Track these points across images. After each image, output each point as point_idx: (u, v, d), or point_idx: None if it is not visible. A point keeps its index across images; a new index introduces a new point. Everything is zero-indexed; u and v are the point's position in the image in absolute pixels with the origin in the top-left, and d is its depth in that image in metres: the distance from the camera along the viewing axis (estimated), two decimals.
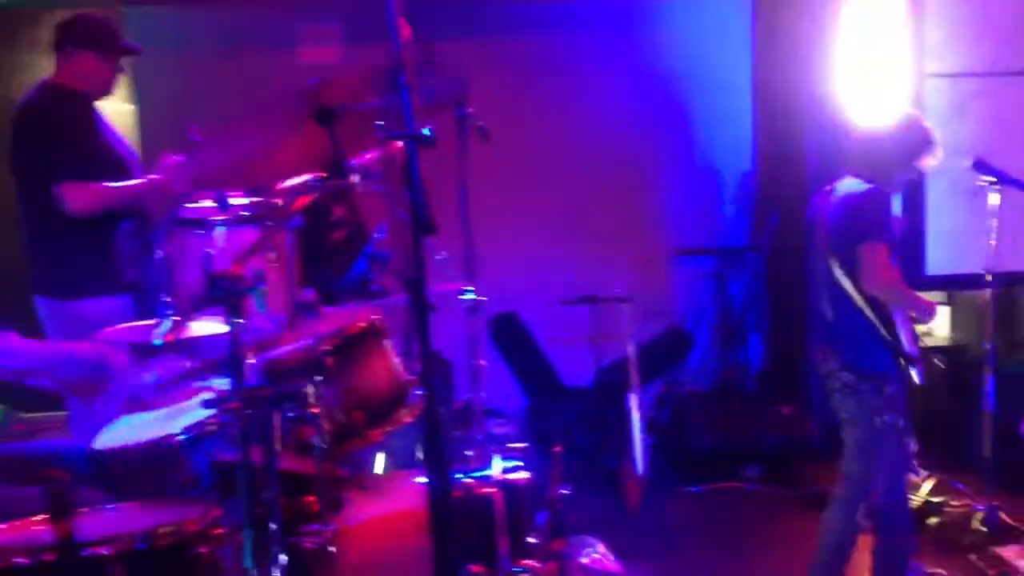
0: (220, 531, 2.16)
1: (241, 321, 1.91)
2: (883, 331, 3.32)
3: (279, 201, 3.40)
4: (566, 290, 4.74)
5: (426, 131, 1.68)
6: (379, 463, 3.36)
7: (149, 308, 3.61)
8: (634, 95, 5.46)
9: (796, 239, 5.03)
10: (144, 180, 3.58)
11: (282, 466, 2.18)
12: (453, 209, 3.03)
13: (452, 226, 2.92)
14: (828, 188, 3.52)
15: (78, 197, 3.49)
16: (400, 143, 1.73)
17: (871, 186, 3.33)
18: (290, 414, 2.10)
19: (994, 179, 3.69)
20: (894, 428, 3.36)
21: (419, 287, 1.71)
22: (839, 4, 4.59)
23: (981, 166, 3.75)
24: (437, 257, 2.88)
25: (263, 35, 5.19)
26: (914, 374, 3.35)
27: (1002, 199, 3.69)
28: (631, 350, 4.47)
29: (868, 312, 3.32)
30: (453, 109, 2.95)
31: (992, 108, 4.51)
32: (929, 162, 3.44)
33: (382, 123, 2.09)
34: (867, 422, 3.35)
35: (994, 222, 3.68)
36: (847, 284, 3.34)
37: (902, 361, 3.34)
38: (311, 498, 2.42)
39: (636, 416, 4.45)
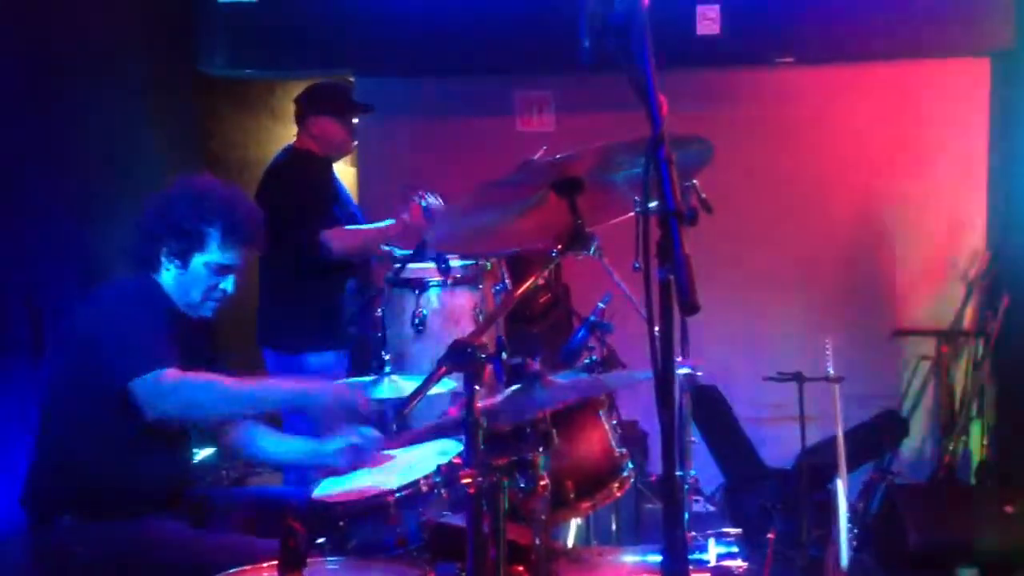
0: None
1: (479, 387, 1.92)
2: None
3: (498, 265, 3.47)
4: (775, 366, 4.57)
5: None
6: (571, 535, 3.31)
7: (367, 364, 3.75)
8: (863, 168, 5.29)
9: None
10: (396, 222, 3.73)
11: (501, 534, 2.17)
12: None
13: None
14: None
15: (341, 240, 3.70)
16: (649, 216, 1.71)
17: None
18: (520, 484, 2.09)
19: None
20: None
21: (667, 367, 1.67)
22: None
23: None
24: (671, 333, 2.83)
25: (481, 103, 5.37)
26: None
27: None
28: (840, 432, 4.24)
29: None
30: (688, 182, 2.92)
31: None
32: None
33: (632, 197, 2.08)
34: None
35: None
36: None
37: None
38: (520, 567, 2.39)
39: (842, 503, 4.20)
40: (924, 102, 5.22)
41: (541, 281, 3.43)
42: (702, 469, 4.99)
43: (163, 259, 2.70)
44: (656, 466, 4.03)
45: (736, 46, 4.95)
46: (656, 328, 1.76)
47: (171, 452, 2.73)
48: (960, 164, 5.24)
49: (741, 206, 5.19)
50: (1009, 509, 4.59)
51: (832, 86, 5.27)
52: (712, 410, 5.12)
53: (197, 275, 2.68)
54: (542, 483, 2.14)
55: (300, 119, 3.98)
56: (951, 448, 5.08)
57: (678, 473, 3.22)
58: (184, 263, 2.68)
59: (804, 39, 5.01)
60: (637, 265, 1.83)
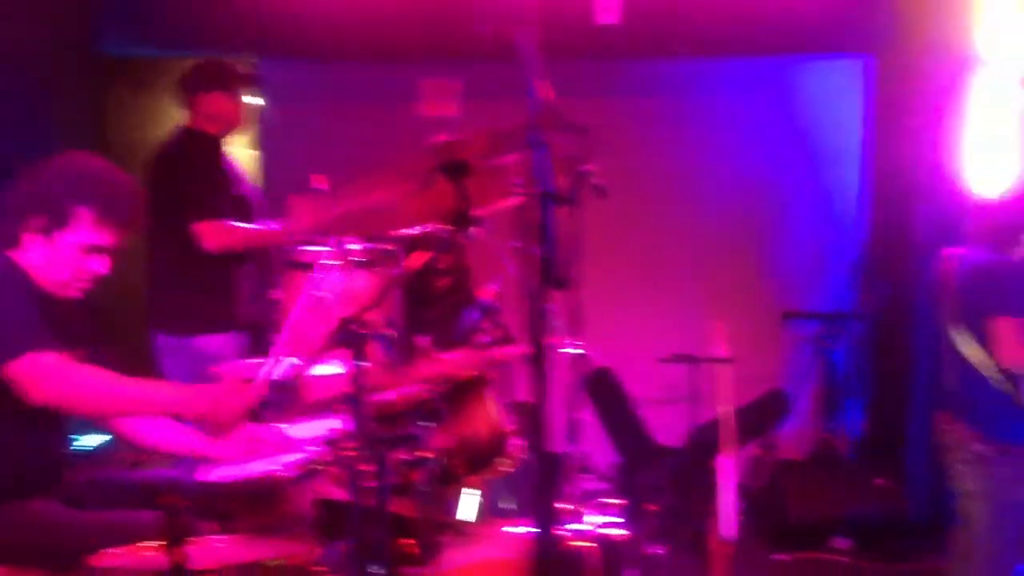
0: (321, 569, 2.22)
1: (365, 364, 1.99)
2: (1016, 399, 3.26)
3: (398, 249, 3.53)
4: (667, 348, 4.74)
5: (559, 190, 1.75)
6: (471, 509, 3.41)
7: (264, 347, 3.76)
8: (749, 158, 5.48)
9: (904, 307, 4.95)
10: (278, 228, 3.75)
11: (387, 507, 2.24)
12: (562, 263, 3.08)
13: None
14: (951, 255, 3.48)
15: (213, 236, 3.68)
16: (529, 199, 1.80)
17: (998, 257, 3.30)
18: (402, 457, 2.16)
19: None
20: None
21: (538, 341, 1.77)
22: (963, 76, 4.54)
23: None
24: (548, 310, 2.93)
25: (386, 89, 5.39)
26: None
27: None
28: (727, 411, 4.43)
29: (1000, 380, 3.26)
30: (573, 166, 3.02)
31: None
32: None
33: (514, 179, 2.17)
34: (999, 496, 3.27)
35: None
36: (974, 353, 3.30)
37: None
38: (409, 541, 2.47)
39: (728, 479, 4.39)
40: (809, 96, 5.43)
41: (442, 264, 3.52)
42: (598, 447, 5.15)
43: (26, 235, 2.58)
44: (553, 446, 4.15)
45: (634, 37, 5.08)
46: (541, 305, 1.86)
47: (46, 434, 2.66)
48: (842, 155, 5.48)
49: (637, 193, 5.34)
50: (882, 483, 4.86)
51: (724, 78, 5.45)
52: (606, 390, 5.27)
53: (65, 254, 2.58)
54: (428, 457, 2.22)
55: (188, 99, 3.93)
56: (831, 425, 5.34)
57: (561, 450, 3.35)
58: (49, 240, 2.57)
59: (698, 32, 5.17)
60: (515, 244, 1.93)
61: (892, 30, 5.04)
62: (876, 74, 5.34)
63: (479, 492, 3.06)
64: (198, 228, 3.65)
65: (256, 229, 3.77)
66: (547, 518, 1.84)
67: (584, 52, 5.02)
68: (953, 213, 4.16)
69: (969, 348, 3.32)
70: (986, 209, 3.45)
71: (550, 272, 1.69)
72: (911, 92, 4.92)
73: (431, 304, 3.95)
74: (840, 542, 4.71)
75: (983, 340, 3.27)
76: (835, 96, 5.44)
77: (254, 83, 4.10)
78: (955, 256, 3.45)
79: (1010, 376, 3.26)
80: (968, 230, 3.47)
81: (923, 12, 4.80)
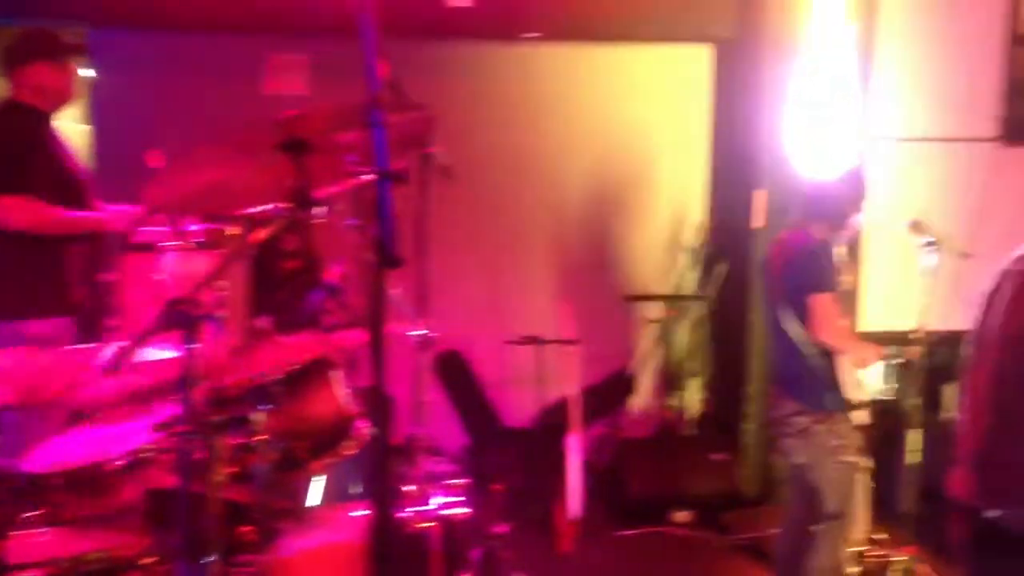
0: (151, 560, 2.14)
1: (196, 347, 1.92)
2: (829, 374, 3.47)
3: (236, 229, 3.42)
4: (515, 330, 4.78)
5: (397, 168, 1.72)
6: (316, 494, 3.36)
7: (95, 330, 3.59)
8: (597, 142, 5.56)
9: (740, 288, 5.17)
10: (92, 219, 3.58)
11: (221, 494, 2.17)
12: (408, 245, 3.06)
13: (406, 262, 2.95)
14: (778, 238, 3.67)
15: (16, 214, 3.47)
16: (369, 178, 1.77)
17: (818, 238, 3.49)
18: (235, 441, 2.10)
19: (930, 240, 3.84)
20: (850, 468, 3.50)
21: (377, 322, 1.74)
22: (795, 66, 4.74)
23: (918, 227, 3.89)
24: (391, 292, 2.92)
25: (229, 63, 5.20)
26: (861, 416, 3.50)
27: (937, 260, 3.83)
28: (573, 392, 4.52)
29: (816, 356, 3.46)
30: (418, 147, 3.00)
31: (932, 170, 4.68)
32: (865, 216, 3.63)
33: (353, 158, 2.13)
34: (825, 464, 3.47)
35: (928, 282, 3.82)
36: (796, 330, 3.48)
37: (846, 403, 3.49)
38: (247, 528, 2.41)
39: (574, 458, 4.48)
40: (654, 84, 5.56)
41: (288, 246, 3.44)
42: (446, 429, 5.16)
43: None
44: (403, 429, 4.13)
45: (485, 19, 5.07)
46: (379, 286, 1.83)
47: None
48: (684, 143, 5.64)
49: (487, 176, 5.37)
50: (720, 458, 5.06)
51: (574, 64, 5.51)
52: (455, 373, 5.29)
53: None
54: (263, 441, 2.16)
55: (11, 71, 3.69)
56: (673, 403, 5.52)
57: (408, 432, 3.34)
58: None
59: (550, 16, 5.21)
60: (352, 222, 1.90)
61: (733, 19, 5.22)
62: (722, 63, 5.51)
63: (323, 476, 3.02)
64: (1, 203, 3.44)
65: (71, 218, 3.58)
66: (386, 500, 1.83)
67: (435, 32, 4.99)
68: (787, 197, 4.36)
69: (791, 326, 3.50)
70: (816, 193, 3.63)
71: (386, 252, 1.66)
72: (750, 81, 5.12)
73: (276, 286, 3.87)
74: (680, 516, 4.88)
75: (803, 318, 3.46)
76: (685, 85, 5.58)
77: (84, 53, 3.88)
78: (785, 238, 3.64)
79: (825, 351, 3.46)
80: (799, 213, 3.65)
81: (761, 3, 4.99)
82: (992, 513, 2.26)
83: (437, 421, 4.17)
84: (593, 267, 5.62)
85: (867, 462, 3.63)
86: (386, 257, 1.67)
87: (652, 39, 5.39)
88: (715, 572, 4.49)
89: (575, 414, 4.46)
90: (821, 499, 3.49)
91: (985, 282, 2.42)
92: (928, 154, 4.70)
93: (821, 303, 3.41)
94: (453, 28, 5.08)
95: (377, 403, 1.83)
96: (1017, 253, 2.34)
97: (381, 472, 1.83)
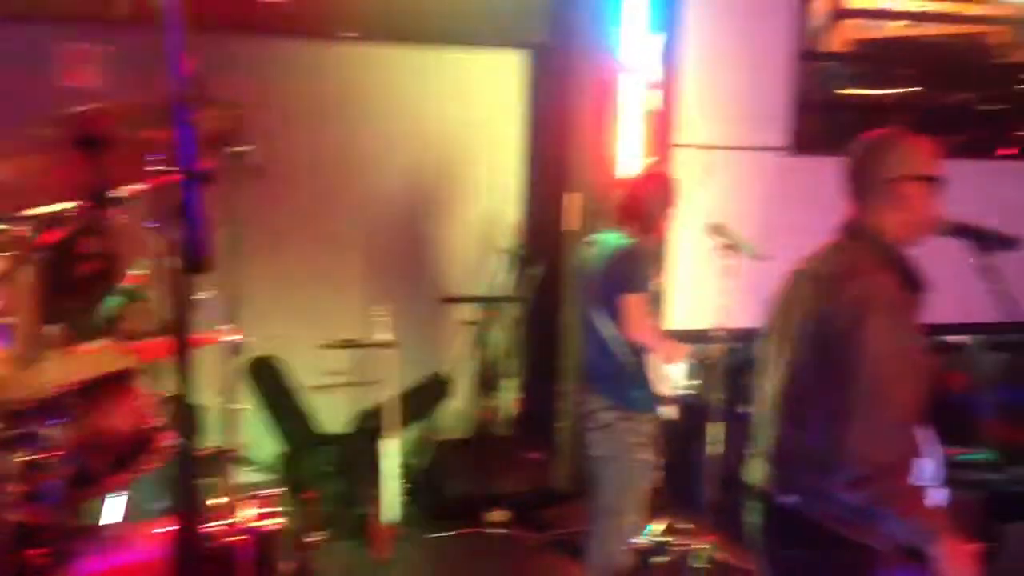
0: None
1: None
2: (638, 372, 3.59)
3: (26, 231, 3.19)
4: (330, 334, 4.69)
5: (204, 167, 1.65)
6: (117, 511, 3.18)
7: None
8: (414, 145, 5.54)
9: (554, 289, 5.27)
10: None
11: (9, 516, 2.02)
12: (218, 248, 2.95)
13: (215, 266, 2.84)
14: (593, 240, 3.79)
15: None
16: (173, 178, 1.68)
17: (630, 240, 3.62)
18: (24, 458, 1.96)
19: (730, 242, 4.05)
20: (645, 464, 3.64)
21: (182, 328, 1.66)
22: (606, 72, 4.88)
23: (718, 230, 4.10)
24: (199, 297, 2.79)
25: (15, 52, 4.85)
26: (665, 412, 3.65)
27: (736, 261, 4.04)
28: (390, 395, 4.48)
29: (627, 355, 3.58)
30: (226, 146, 2.89)
31: (729, 177, 4.93)
32: (675, 219, 3.80)
33: (156, 156, 2.02)
34: (622, 459, 3.59)
35: (727, 282, 4.02)
36: (609, 330, 3.59)
37: (656, 401, 3.63)
38: (39, 551, 2.25)
39: (390, 462, 4.45)
40: (470, 87, 5.60)
41: (85, 248, 3.23)
42: (260, 438, 5.01)
43: None
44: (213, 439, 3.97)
45: (301, 17, 4.96)
46: (185, 291, 1.74)
47: None
48: (500, 146, 5.71)
49: (301, 177, 5.25)
50: (535, 456, 5.15)
51: (391, 65, 5.47)
52: (269, 379, 5.14)
53: None
54: (57, 457, 2.03)
55: None
56: (489, 404, 5.57)
57: (218, 442, 3.22)
58: None
59: (366, 16, 5.15)
60: (155, 224, 1.80)
61: (547, 26, 5.32)
62: (536, 68, 5.60)
63: (124, 492, 2.86)
64: None
65: None
66: (192, 515, 1.74)
67: (248, 27, 4.83)
68: (599, 200, 4.49)
69: (604, 326, 3.62)
70: (626, 197, 3.76)
71: (192, 256, 1.59)
72: (563, 86, 5.24)
73: (71, 291, 3.63)
74: (496, 515, 4.93)
75: (616, 317, 3.59)
76: (500, 89, 5.64)
77: None
78: (598, 241, 3.75)
79: (635, 350, 3.60)
80: (611, 216, 3.78)
81: (573, 12, 5.12)
82: (785, 499, 2.40)
83: (250, 429, 4.03)
84: (409, 269, 5.60)
85: (661, 460, 3.78)
86: (193, 260, 1.60)
87: (467, 43, 5.42)
88: (531, 570, 4.57)
89: (391, 418, 4.43)
90: (607, 492, 3.62)
91: (778, 282, 2.56)
92: (726, 161, 4.95)
93: (633, 303, 3.54)
94: (267, 24, 4.94)
95: (183, 413, 1.75)
96: (808, 254, 2.49)
97: (187, 486, 1.75)
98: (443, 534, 4.76)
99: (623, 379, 3.62)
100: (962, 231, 2.35)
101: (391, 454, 4.42)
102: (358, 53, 5.37)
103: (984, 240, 2.35)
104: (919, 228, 2.37)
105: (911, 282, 2.35)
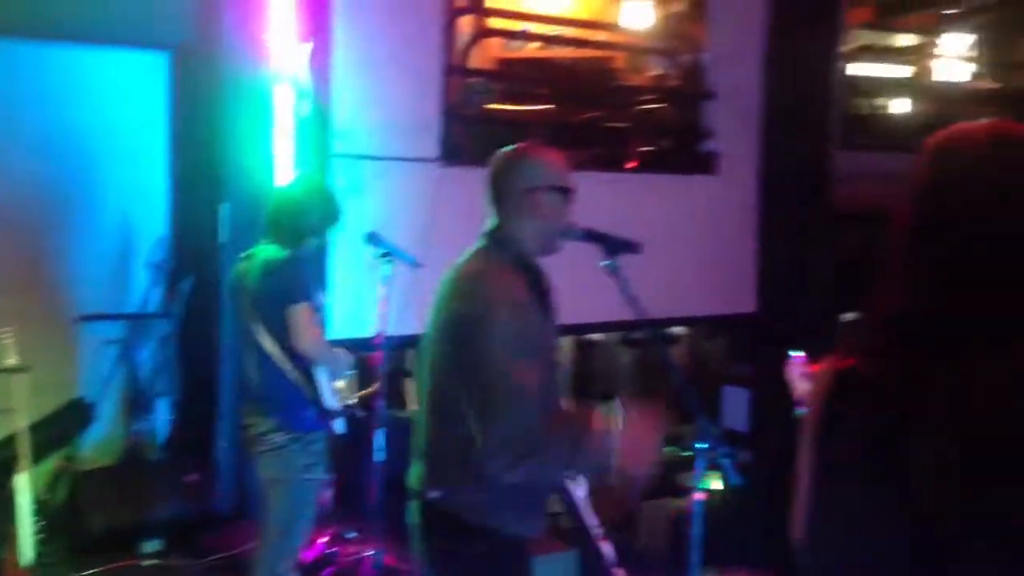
0: None
1: None
2: (307, 389, 3.52)
3: None
4: None
5: None
6: None
7: None
8: (42, 150, 5.05)
9: (208, 304, 5.05)
10: None
11: None
12: None
13: None
14: (248, 254, 3.66)
15: None
16: None
17: (290, 251, 3.55)
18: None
19: (386, 252, 4.10)
20: (318, 484, 3.58)
21: None
22: (256, 79, 4.76)
23: (375, 239, 4.13)
24: None
25: None
26: (336, 426, 3.62)
27: (394, 270, 4.10)
28: (20, 425, 4.06)
29: (293, 372, 3.49)
30: None
31: (386, 187, 5.00)
32: (335, 230, 3.78)
33: None
34: (294, 481, 3.50)
35: (385, 291, 4.07)
36: (272, 346, 3.48)
37: (326, 416, 3.57)
38: None
39: (23, 498, 4.03)
40: (107, 88, 5.24)
41: None
42: None
43: None
44: None
45: None
46: None
47: None
48: (142, 153, 5.39)
49: None
50: (192, 479, 4.90)
51: (18, 62, 4.98)
52: None
53: None
54: None
55: None
56: (140, 427, 5.23)
57: None
58: None
59: None
60: None
61: (190, 27, 5.10)
62: (179, 71, 5.35)
63: None
64: None
65: None
66: None
67: None
68: (254, 212, 4.36)
69: (267, 342, 3.51)
70: (284, 207, 3.68)
71: None
72: (211, 92, 5.04)
73: None
74: (150, 545, 4.64)
75: (280, 332, 3.49)
76: (139, 90, 5.32)
77: None
78: (255, 253, 3.63)
79: (303, 368, 3.53)
80: (267, 227, 3.68)
81: (218, 14, 4.94)
82: (433, 494, 2.48)
83: None
84: (39, 287, 5.11)
85: (331, 477, 3.76)
86: None
87: (103, 41, 5.07)
88: None
89: (23, 450, 4.01)
90: (277, 514, 3.55)
91: (434, 289, 2.64)
92: (382, 171, 5.01)
93: (298, 314, 3.46)
94: None
95: None
96: (454, 261, 2.60)
97: None
98: (91, 571, 4.39)
99: (292, 399, 3.53)
100: (593, 237, 2.55)
101: (23, 489, 4.00)
102: None
103: (612, 245, 2.56)
104: (553, 235, 2.55)
105: (538, 287, 2.52)
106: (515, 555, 2.51)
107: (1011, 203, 1.41)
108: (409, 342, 4.34)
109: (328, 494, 3.91)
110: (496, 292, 2.40)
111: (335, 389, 3.67)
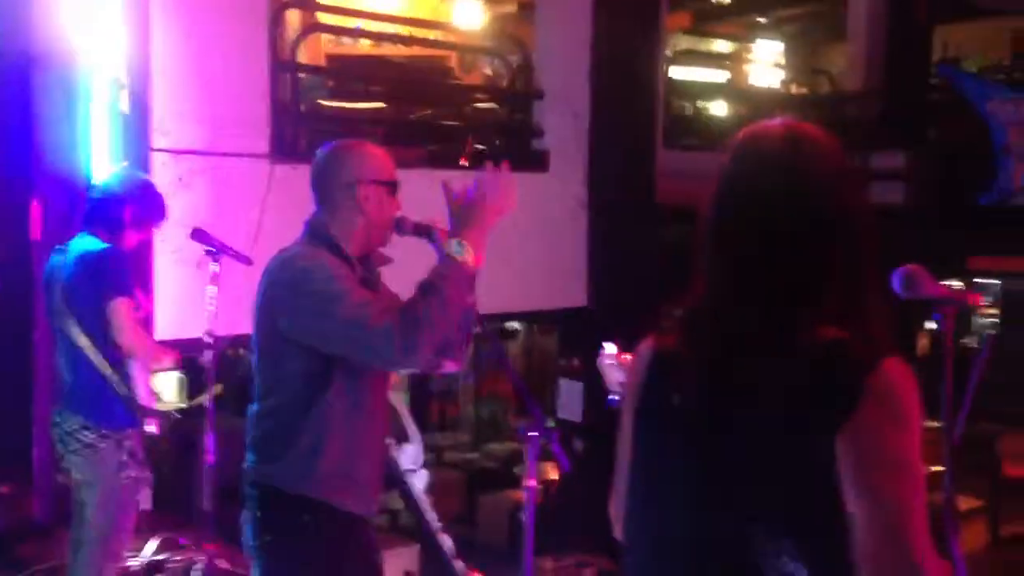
0: None
1: None
2: (121, 387, 3.40)
3: None
4: None
5: None
6: None
7: None
8: None
9: (20, 304, 4.78)
10: None
11: None
12: None
13: None
14: (63, 249, 3.52)
15: None
16: None
17: (108, 245, 3.44)
18: None
19: (212, 248, 4.00)
20: (134, 483, 3.46)
21: None
22: (69, 71, 4.55)
23: (200, 236, 4.02)
24: None
25: None
26: (151, 427, 3.51)
27: (221, 267, 4.00)
28: None
29: (106, 369, 3.38)
30: None
31: (212, 183, 4.87)
32: (160, 226, 3.68)
33: None
34: (108, 480, 3.39)
35: (213, 288, 3.97)
36: (85, 343, 3.36)
37: (139, 414, 3.46)
38: None
39: None
40: None
41: None
42: None
43: None
44: None
45: None
46: None
47: None
48: None
49: None
50: (6, 489, 4.64)
51: None
52: None
53: None
54: None
55: None
56: None
57: None
58: None
59: None
60: None
61: (1, 19, 4.82)
62: None
63: None
64: None
65: None
66: None
67: None
68: (69, 209, 4.17)
69: (78, 335, 3.39)
70: (99, 202, 3.57)
71: None
72: (22, 86, 4.78)
73: None
74: None
75: (93, 329, 3.38)
76: None
77: None
78: (70, 249, 3.50)
79: (116, 363, 3.42)
80: (83, 223, 3.56)
81: (31, 6, 4.69)
82: (262, 470, 2.49)
83: None
84: None
85: (150, 476, 3.66)
86: None
87: None
88: None
89: None
90: (94, 517, 3.43)
91: None
92: (208, 166, 4.88)
93: (118, 308, 3.36)
94: None
95: None
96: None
97: None
98: None
99: (102, 395, 3.41)
100: (424, 231, 2.59)
101: None
102: None
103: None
104: (378, 229, 2.57)
105: (360, 278, 2.53)
106: (350, 530, 2.50)
107: (800, 197, 1.53)
108: (240, 341, 4.27)
109: (146, 493, 3.78)
110: (310, 262, 2.43)
111: (153, 388, 3.58)
